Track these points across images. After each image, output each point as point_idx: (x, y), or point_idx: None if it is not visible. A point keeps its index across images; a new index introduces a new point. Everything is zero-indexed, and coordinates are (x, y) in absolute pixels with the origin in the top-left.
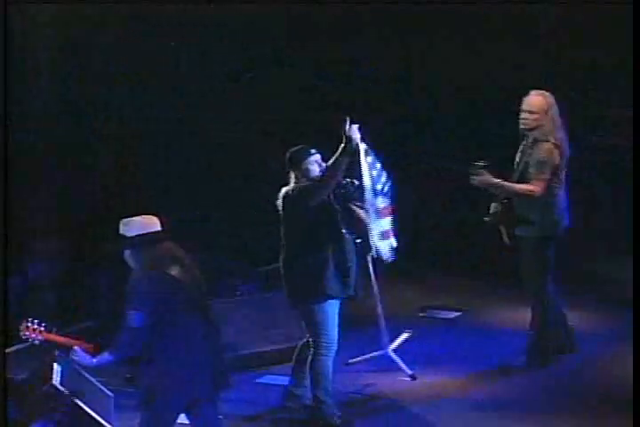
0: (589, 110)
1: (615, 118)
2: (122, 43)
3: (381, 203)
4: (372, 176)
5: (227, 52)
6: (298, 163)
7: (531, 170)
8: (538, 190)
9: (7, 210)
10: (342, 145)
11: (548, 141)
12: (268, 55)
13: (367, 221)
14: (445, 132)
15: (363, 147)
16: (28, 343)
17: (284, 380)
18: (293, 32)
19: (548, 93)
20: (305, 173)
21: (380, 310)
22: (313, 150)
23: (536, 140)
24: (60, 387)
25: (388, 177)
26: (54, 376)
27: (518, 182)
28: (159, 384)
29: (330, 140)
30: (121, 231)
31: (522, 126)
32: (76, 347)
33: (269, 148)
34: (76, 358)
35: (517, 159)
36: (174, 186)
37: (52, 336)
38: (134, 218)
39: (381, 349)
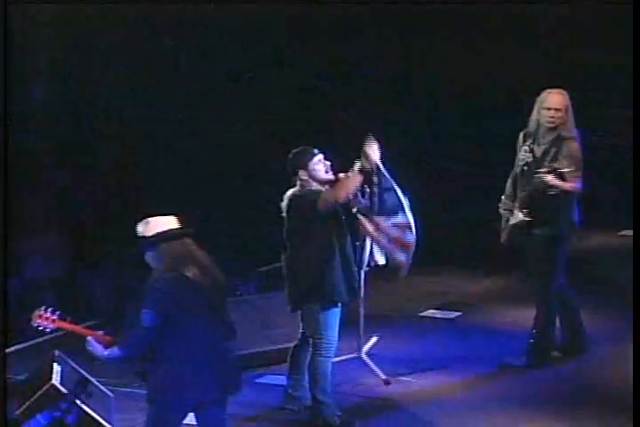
0: (589, 110)
1: (615, 118)
2: (122, 43)
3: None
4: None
5: (227, 52)
6: (303, 164)
7: (567, 168)
8: (579, 188)
9: (7, 210)
10: (359, 163)
11: (574, 138)
12: (268, 55)
13: (370, 229)
14: (445, 131)
15: (381, 166)
16: (27, 343)
17: (284, 380)
18: (293, 32)
19: (564, 91)
20: (311, 173)
21: (362, 311)
22: (316, 150)
23: (562, 138)
24: (59, 387)
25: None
26: (54, 376)
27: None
28: (167, 383)
29: (330, 140)
30: (140, 233)
31: (548, 124)
32: (89, 337)
33: (269, 148)
34: (88, 348)
35: (528, 159)
36: (174, 186)
37: (66, 325)
38: (152, 218)
39: (357, 351)
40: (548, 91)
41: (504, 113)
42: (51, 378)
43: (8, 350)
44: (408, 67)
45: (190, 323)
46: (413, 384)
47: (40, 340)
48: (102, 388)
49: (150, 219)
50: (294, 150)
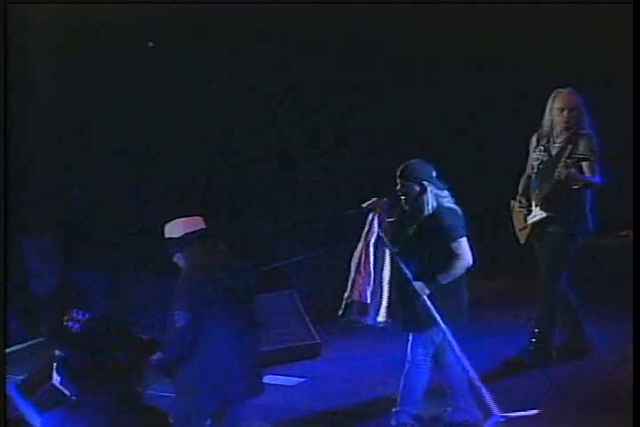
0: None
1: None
2: (122, 43)
3: None
4: None
5: (228, 52)
6: (425, 176)
7: (586, 163)
8: (599, 181)
9: (7, 210)
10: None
11: (590, 135)
12: (269, 55)
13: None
14: (444, 131)
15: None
16: (27, 343)
17: (284, 380)
18: (293, 32)
19: (574, 90)
20: (414, 197)
21: None
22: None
23: (578, 135)
24: (60, 387)
25: None
26: (54, 376)
27: (562, 177)
28: (196, 383)
29: (329, 141)
30: (167, 235)
31: (563, 124)
32: None
33: (270, 148)
34: None
35: (544, 157)
36: (175, 186)
37: None
38: (179, 219)
39: None
40: (559, 90)
41: (505, 113)
42: (51, 378)
43: (8, 350)
44: (407, 66)
45: (219, 322)
46: None
47: (40, 340)
48: None
49: (178, 220)
50: (420, 161)
